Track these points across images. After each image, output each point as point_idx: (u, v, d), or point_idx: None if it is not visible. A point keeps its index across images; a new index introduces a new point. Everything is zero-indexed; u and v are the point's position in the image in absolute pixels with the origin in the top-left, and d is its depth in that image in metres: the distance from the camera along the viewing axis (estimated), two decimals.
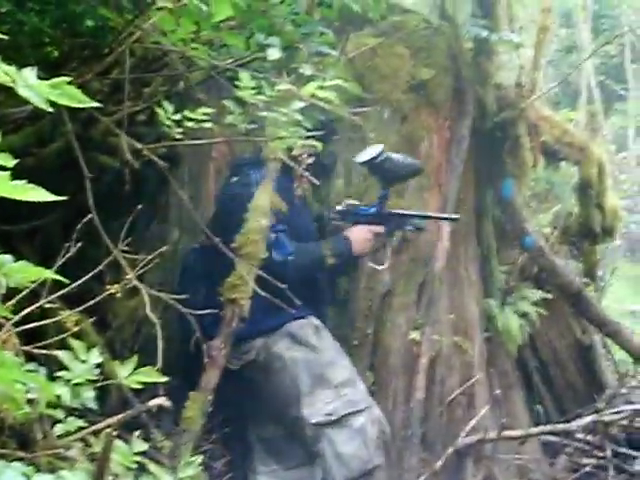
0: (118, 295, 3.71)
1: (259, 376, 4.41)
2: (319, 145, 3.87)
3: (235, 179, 4.49)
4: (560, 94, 25.70)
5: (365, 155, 4.62)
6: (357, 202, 4.83)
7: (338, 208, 4.80)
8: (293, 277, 4.20)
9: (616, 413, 5.98)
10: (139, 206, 3.75)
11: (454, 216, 5.02)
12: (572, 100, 24.70)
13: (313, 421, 4.28)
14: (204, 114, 3.60)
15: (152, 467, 2.73)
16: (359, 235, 4.65)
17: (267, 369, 4.38)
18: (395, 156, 4.65)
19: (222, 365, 4.04)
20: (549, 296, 6.08)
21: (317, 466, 4.35)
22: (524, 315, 5.93)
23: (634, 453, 5.97)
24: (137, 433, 2.80)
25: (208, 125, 3.62)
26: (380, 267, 4.85)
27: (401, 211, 4.79)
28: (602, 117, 22.19)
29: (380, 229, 4.69)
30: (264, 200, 4.31)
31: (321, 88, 3.70)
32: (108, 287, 3.26)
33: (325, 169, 4.69)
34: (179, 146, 4.00)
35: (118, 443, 2.65)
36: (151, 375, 2.82)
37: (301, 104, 3.68)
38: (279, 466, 4.52)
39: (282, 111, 3.66)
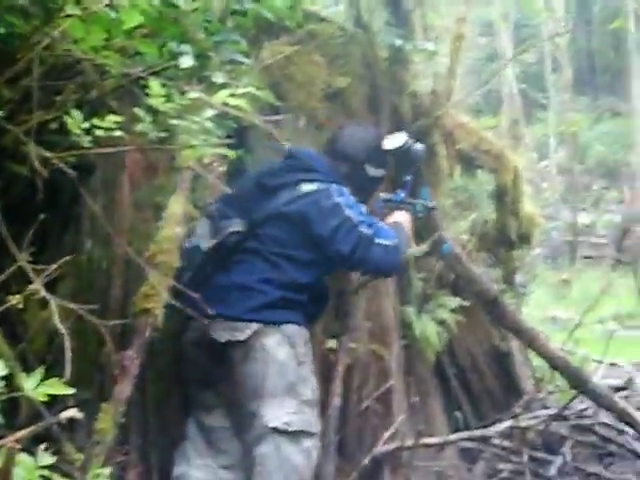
0: (30, 305, 3.70)
1: (237, 359, 4.32)
2: (230, 153, 3.87)
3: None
4: (482, 102, 26.05)
5: (393, 143, 4.80)
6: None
7: (383, 197, 4.87)
8: (399, 261, 4.56)
9: (533, 418, 6.06)
10: (47, 215, 3.71)
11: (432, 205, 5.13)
12: (494, 108, 25.04)
13: (270, 425, 4.22)
14: (114, 122, 3.56)
15: None
16: (407, 221, 4.78)
17: (249, 355, 4.29)
18: (415, 144, 4.87)
19: (134, 376, 4.01)
20: (466, 303, 6.13)
21: (252, 469, 4.28)
22: (442, 322, 5.97)
23: (550, 457, 6.05)
24: (43, 446, 2.75)
25: (118, 133, 3.58)
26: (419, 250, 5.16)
27: (413, 200, 4.94)
28: (523, 125, 22.51)
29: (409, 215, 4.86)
30: (178, 208, 4.29)
31: (232, 96, 3.70)
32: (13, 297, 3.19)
33: None
34: (92, 155, 3.95)
35: (23, 457, 2.61)
36: (58, 387, 2.77)
37: (212, 112, 3.67)
38: (214, 462, 4.44)
39: (193, 119, 3.65)
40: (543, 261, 20.39)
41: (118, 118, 3.55)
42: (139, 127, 3.64)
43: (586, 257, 20.97)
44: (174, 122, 3.62)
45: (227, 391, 4.39)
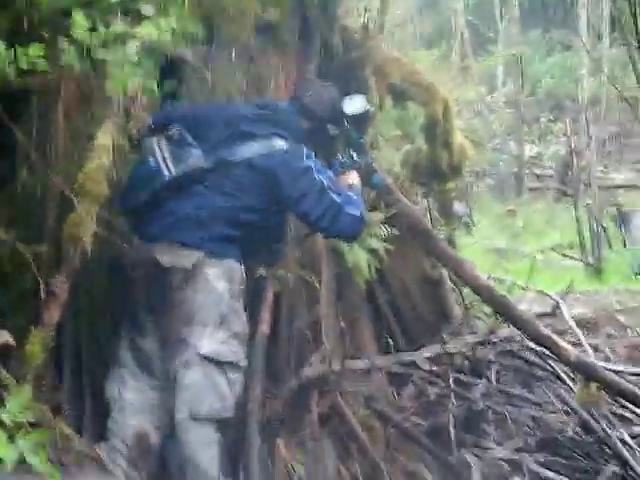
0: None
1: (177, 284, 4.43)
2: (155, 86, 3.97)
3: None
4: (434, 34, 26.09)
5: (354, 107, 4.90)
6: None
7: (341, 160, 4.95)
8: (363, 229, 4.78)
9: (460, 344, 6.24)
10: None
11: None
12: (446, 40, 25.05)
13: (200, 351, 4.36)
14: (38, 53, 3.62)
15: None
16: (359, 182, 4.90)
17: (189, 283, 4.41)
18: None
19: (64, 301, 4.13)
20: (397, 233, 6.25)
21: (178, 394, 4.42)
22: (373, 251, 6.09)
23: (475, 381, 6.25)
24: None
25: (43, 64, 3.64)
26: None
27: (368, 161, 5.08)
28: (472, 58, 22.52)
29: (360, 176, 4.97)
30: (107, 139, 4.38)
31: (158, 29, 3.77)
32: None
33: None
34: (28, 85, 4.01)
35: None
36: None
37: (137, 45, 3.75)
38: (145, 383, 4.58)
39: (118, 51, 3.72)
40: (490, 192, 20.64)
41: (41, 49, 3.60)
42: (64, 59, 3.71)
43: (532, 189, 21.17)
44: (99, 54, 3.69)
45: (162, 315, 4.51)
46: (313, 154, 4.63)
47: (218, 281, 4.44)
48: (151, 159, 4.52)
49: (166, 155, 4.50)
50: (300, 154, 4.58)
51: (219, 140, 4.59)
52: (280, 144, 4.60)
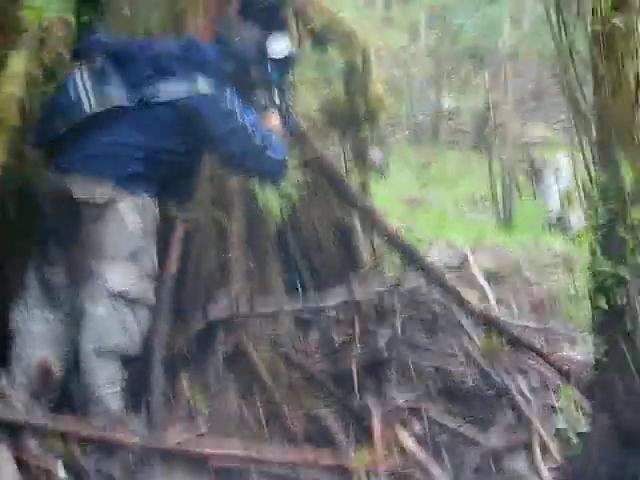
0: None
1: (89, 217, 4.43)
2: (72, 18, 3.92)
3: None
4: None
5: (279, 49, 4.90)
6: None
7: (262, 101, 4.96)
8: (284, 173, 4.98)
9: (367, 293, 6.29)
10: None
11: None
12: None
13: (109, 286, 4.38)
14: None
15: None
16: (279, 123, 4.93)
17: (100, 216, 4.41)
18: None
19: None
20: (310, 179, 6.27)
21: (84, 326, 4.44)
22: (285, 195, 6.10)
23: (381, 330, 6.31)
24: None
25: None
26: None
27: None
28: (396, 6, 22.55)
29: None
30: (19, 68, 4.31)
31: None
32: None
33: None
34: None
35: None
36: None
37: None
38: (51, 314, 4.58)
39: None
40: (407, 143, 20.73)
41: None
42: None
43: (449, 142, 21.30)
44: None
45: (72, 247, 4.51)
46: (237, 96, 4.62)
47: (130, 217, 4.44)
48: (72, 90, 4.47)
49: (88, 87, 4.46)
50: (224, 97, 4.58)
51: (142, 77, 4.55)
52: (204, 87, 4.57)
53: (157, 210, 4.58)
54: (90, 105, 4.41)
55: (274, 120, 4.88)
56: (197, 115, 4.53)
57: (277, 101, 4.95)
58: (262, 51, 4.86)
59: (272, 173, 4.81)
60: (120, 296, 4.41)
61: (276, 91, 4.96)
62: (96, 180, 4.40)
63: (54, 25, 4.48)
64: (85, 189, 4.39)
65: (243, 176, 4.98)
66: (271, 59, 4.86)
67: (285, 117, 5.01)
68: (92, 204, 4.40)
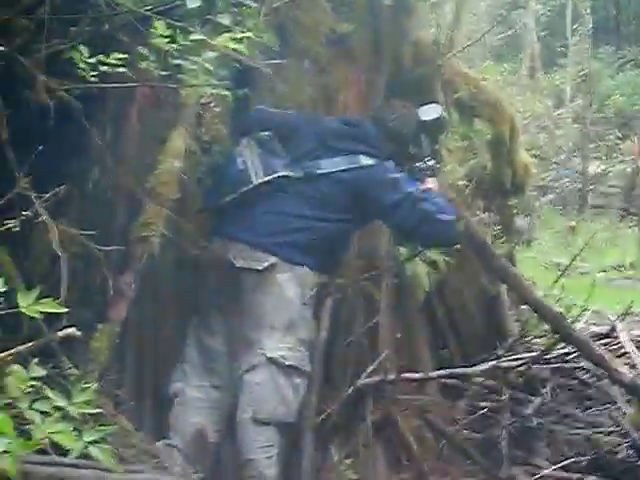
0: (37, 228, 3.91)
1: (248, 286, 4.57)
2: (229, 94, 4.08)
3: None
4: (505, 48, 26.01)
5: (429, 114, 5.03)
6: None
7: (419, 166, 5.04)
8: (458, 232, 5.06)
9: (515, 360, 6.26)
10: (57, 144, 3.91)
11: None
12: (516, 54, 25.00)
13: (268, 354, 4.48)
14: (119, 59, 3.74)
15: (48, 392, 2.89)
16: (437, 186, 5.01)
17: (261, 285, 4.54)
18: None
19: (130, 299, 4.25)
20: (458, 246, 6.30)
21: (242, 395, 4.54)
22: (432, 263, 6.14)
23: (530, 398, 6.26)
24: (36, 360, 2.96)
25: (122, 70, 3.76)
26: None
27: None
28: (542, 72, 22.46)
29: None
30: (179, 143, 4.50)
31: (234, 40, 3.88)
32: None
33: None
34: (104, 88, 4.13)
35: (16, 368, 2.84)
36: (52, 306, 2.96)
37: (213, 54, 3.86)
38: (208, 381, 4.68)
39: (194, 60, 3.84)
40: (553, 208, 20.53)
41: (123, 55, 3.72)
42: (143, 65, 3.83)
43: (595, 206, 21.00)
44: (175, 61, 3.81)
45: (232, 316, 4.63)
46: (398, 169, 4.76)
47: (289, 286, 4.56)
48: (239, 160, 4.66)
49: (254, 159, 4.64)
50: (386, 168, 4.73)
51: (306, 152, 4.73)
52: (366, 160, 4.72)
53: (316, 278, 4.69)
54: (256, 174, 4.58)
55: (433, 184, 4.94)
56: (360, 187, 4.66)
57: (431, 164, 5.04)
58: (416, 125, 4.97)
59: (445, 235, 4.83)
60: (278, 364, 4.50)
61: (430, 155, 5.06)
62: (257, 248, 4.55)
63: (211, 101, 4.65)
64: (245, 258, 4.54)
65: (419, 243, 5.04)
66: (425, 123, 4.97)
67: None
68: (251, 273, 4.53)
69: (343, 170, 4.67)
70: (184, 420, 4.63)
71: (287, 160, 4.67)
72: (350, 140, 4.79)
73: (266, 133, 4.73)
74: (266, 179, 4.58)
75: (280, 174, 4.62)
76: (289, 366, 4.53)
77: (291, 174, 4.63)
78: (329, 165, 4.68)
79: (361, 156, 4.72)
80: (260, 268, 4.51)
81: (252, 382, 4.51)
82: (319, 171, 4.66)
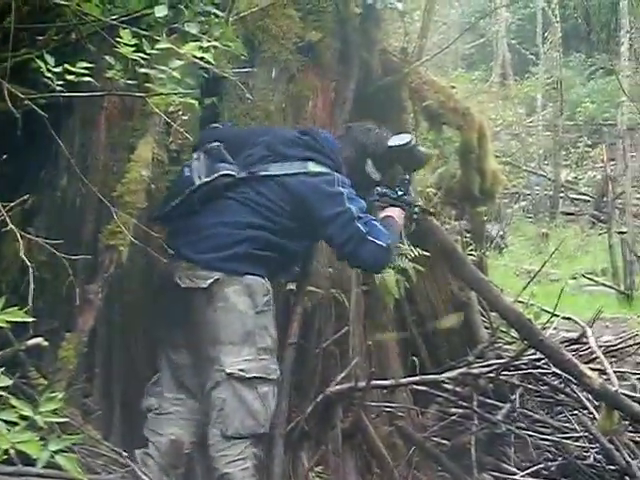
0: (6, 237, 3.91)
1: (199, 305, 4.51)
2: (196, 103, 4.09)
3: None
4: (476, 55, 26.14)
5: (397, 140, 4.97)
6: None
7: (378, 190, 4.98)
8: (389, 261, 4.86)
9: (485, 366, 6.29)
10: (25, 152, 3.91)
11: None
12: (487, 61, 25.14)
13: (227, 370, 4.42)
14: (85, 68, 3.72)
15: (14, 401, 2.88)
16: (400, 217, 4.93)
17: (210, 302, 4.47)
18: (418, 146, 5.15)
19: (98, 308, 4.24)
20: (427, 254, 6.34)
21: (211, 412, 4.50)
22: (402, 271, 6.17)
23: (499, 404, 6.29)
24: (1, 369, 2.95)
25: (88, 79, 3.75)
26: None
27: (411, 200, 5.08)
28: (512, 80, 22.58)
29: (404, 212, 4.99)
30: (146, 151, 4.50)
31: (201, 48, 3.88)
32: None
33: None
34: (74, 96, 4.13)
35: None
36: (18, 315, 2.95)
37: (180, 63, 3.86)
38: (183, 395, 4.64)
39: (161, 68, 3.83)
40: (524, 215, 20.65)
41: (88, 64, 3.71)
42: (109, 74, 3.83)
43: (567, 213, 21.14)
44: (142, 70, 3.81)
45: (190, 333, 4.60)
46: (348, 182, 4.68)
47: (238, 299, 4.50)
48: (186, 169, 4.62)
49: (201, 167, 4.59)
50: (332, 179, 4.63)
51: (256, 159, 4.66)
52: (314, 167, 4.65)
53: (268, 285, 4.63)
54: (200, 177, 4.55)
55: (392, 211, 4.89)
56: (303, 194, 4.59)
57: (399, 194, 4.98)
58: (384, 143, 4.96)
59: (372, 260, 4.63)
60: (240, 378, 4.45)
61: (399, 184, 5.02)
62: (200, 265, 4.49)
63: (179, 110, 4.65)
64: (190, 275, 4.49)
65: (345, 261, 4.94)
66: (391, 148, 4.94)
67: (410, 210, 5.04)
68: (198, 290, 4.48)
69: (289, 174, 4.61)
70: (159, 431, 4.60)
71: (234, 166, 4.63)
72: (302, 148, 4.73)
73: (216, 144, 4.70)
74: (208, 179, 4.52)
75: (222, 173, 4.55)
76: (251, 378, 4.47)
77: (233, 173, 4.57)
78: (276, 169, 4.62)
79: (310, 163, 4.65)
80: (205, 286, 4.46)
81: (218, 398, 4.48)
82: (264, 173, 4.59)
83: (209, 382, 4.51)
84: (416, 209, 5.13)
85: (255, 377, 4.49)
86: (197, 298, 4.50)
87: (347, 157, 4.87)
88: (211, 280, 4.45)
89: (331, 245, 4.77)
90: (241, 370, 4.45)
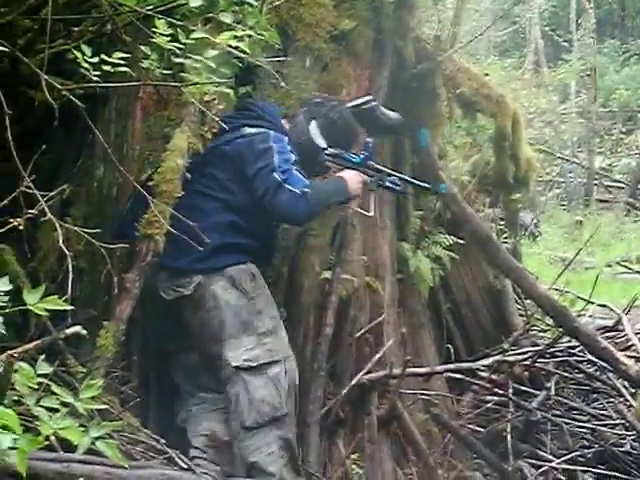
0: (43, 227, 3.95)
1: (190, 311, 4.55)
2: (231, 92, 4.10)
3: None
4: (509, 42, 26.01)
5: (355, 101, 4.97)
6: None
7: (330, 150, 4.86)
8: (307, 211, 4.56)
9: (520, 354, 6.28)
10: (62, 143, 3.94)
11: (427, 185, 5.26)
12: (520, 49, 24.98)
13: (233, 364, 4.46)
14: (121, 58, 3.75)
15: (55, 388, 2.92)
16: (353, 178, 4.80)
17: (199, 306, 4.51)
18: (383, 108, 5.02)
19: (135, 297, 4.27)
20: (461, 241, 6.34)
21: (230, 406, 4.55)
22: (437, 259, 6.18)
23: (535, 391, 6.28)
24: (42, 357, 2.98)
25: (124, 69, 3.77)
26: (368, 214, 5.08)
27: (382, 167, 5.01)
28: (546, 67, 22.42)
29: (367, 178, 4.89)
30: (182, 141, 4.51)
31: (236, 38, 3.90)
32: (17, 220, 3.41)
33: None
34: (110, 86, 4.15)
35: (23, 365, 2.86)
36: (57, 303, 2.98)
37: (215, 52, 3.87)
38: (210, 395, 4.69)
39: (196, 58, 3.85)
40: (558, 203, 20.52)
41: (124, 55, 3.74)
42: (144, 64, 3.85)
43: (601, 201, 20.99)
44: (178, 60, 3.83)
45: (193, 336, 4.65)
46: (285, 139, 4.63)
47: (225, 293, 4.52)
48: None
49: None
50: (266, 136, 4.58)
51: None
52: (248, 130, 4.63)
53: (252, 268, 4.62)
54: None
55: (347, 173, 4.79)
56: (239, 155, 4.57)
57: (360, 158, 4.88)
58: (348, 113, 4.91)
59: (289, 207, 4.45)
60: (247, 369, 4.48)
61: (365, 149, 4.92)
62: (178, 273, 4.50)
63: (214, 99, 4.67)
64: (172, 286, 4.52)
65: (271, 214, 4.63)
66: (350, 109, 4.91)
67: (376, 176, 4.94)
68: (184, 297, 4.51)
69: (227, 141, 4.59)
70: (195, 429, 4.67)
71: None
72: (239, 117, 4.70)
73: None
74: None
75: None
76: (258, 366, 4.49)
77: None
78: (214, 144, 4.59)
79: (245, 128, 4.61)
80: (189, 293, 4.49)
81: (231, 393, 4.52)
82: (204, 151, 4.55)
83: (222, 380, 4.56)
84: (385, 176, 4.99)
85: (262, 364, 4.51)
86: (185, 305, 4.54)
87: (295, 124, 4.84)
88: (193, 284, 4.49)
89: (257, 201, 4.53)
90: (247, 360, 4.48)
